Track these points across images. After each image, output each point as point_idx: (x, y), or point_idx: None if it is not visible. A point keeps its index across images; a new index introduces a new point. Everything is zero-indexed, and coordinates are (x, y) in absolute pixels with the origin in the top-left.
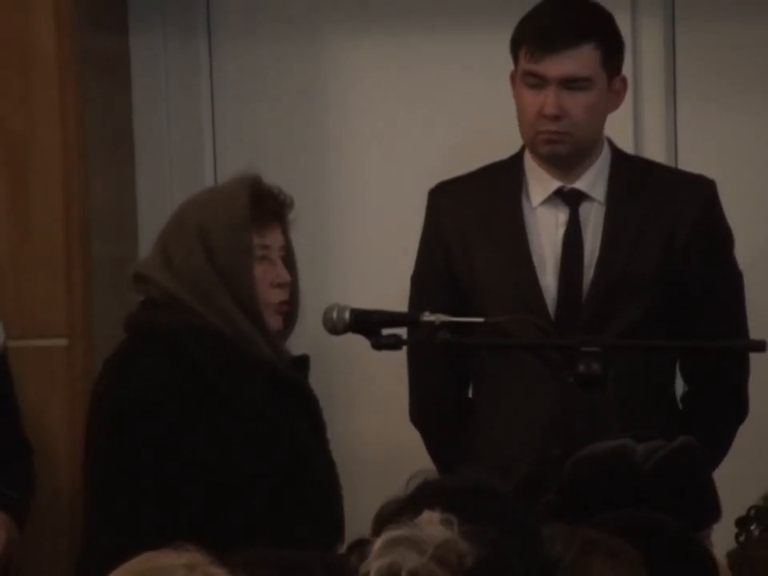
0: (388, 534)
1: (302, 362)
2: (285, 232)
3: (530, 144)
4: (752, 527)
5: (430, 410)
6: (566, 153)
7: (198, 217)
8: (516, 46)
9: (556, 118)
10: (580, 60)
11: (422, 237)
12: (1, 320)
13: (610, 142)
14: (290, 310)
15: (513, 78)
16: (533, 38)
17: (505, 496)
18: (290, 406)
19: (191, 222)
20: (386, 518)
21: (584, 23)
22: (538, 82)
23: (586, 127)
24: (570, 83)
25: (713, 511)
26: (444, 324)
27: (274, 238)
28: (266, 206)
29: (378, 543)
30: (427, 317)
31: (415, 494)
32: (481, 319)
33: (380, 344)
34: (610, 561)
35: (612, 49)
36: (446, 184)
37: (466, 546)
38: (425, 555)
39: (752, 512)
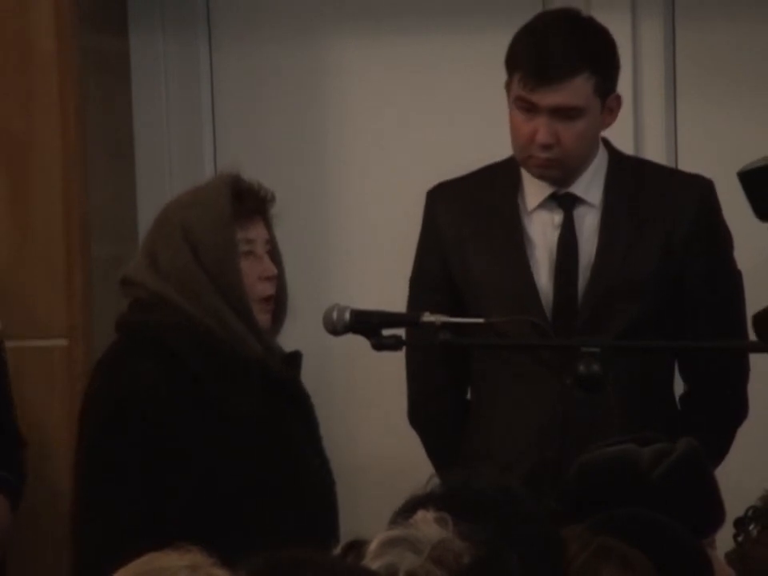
0: (384, 535)
1: (294, 359)
2: (268, 226)
3: (522, 164)
4: (750, 527)
5: (429, 412)
6: (558, 176)
7: (182, 217)
8: (510, 66)
9: (548, 146)
10: (573, 91)
11: (419, 238)
12: None
13: (607, 143)
14: (278, 305)
15: (507, 87)
16: (526, 67)
17: (510, 495)
18: (281, 403)
19: (175, 222)
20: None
21: (578, 53)
22: (530, 107)
23: (577, 153)
24: (561, 113)
25: (718, 516)
26: (444, 325)
27: (257, 232)
28: (247, 201)
29: (373, 544)
30: (427, 317)
31: (428, 494)
32: (481, 320)
33: (380, 345)
34: (621, 569)
35: (606, 73)
36: (444, 185)
37: (462, 544)
38: (421, 555)
39: (750, 512)
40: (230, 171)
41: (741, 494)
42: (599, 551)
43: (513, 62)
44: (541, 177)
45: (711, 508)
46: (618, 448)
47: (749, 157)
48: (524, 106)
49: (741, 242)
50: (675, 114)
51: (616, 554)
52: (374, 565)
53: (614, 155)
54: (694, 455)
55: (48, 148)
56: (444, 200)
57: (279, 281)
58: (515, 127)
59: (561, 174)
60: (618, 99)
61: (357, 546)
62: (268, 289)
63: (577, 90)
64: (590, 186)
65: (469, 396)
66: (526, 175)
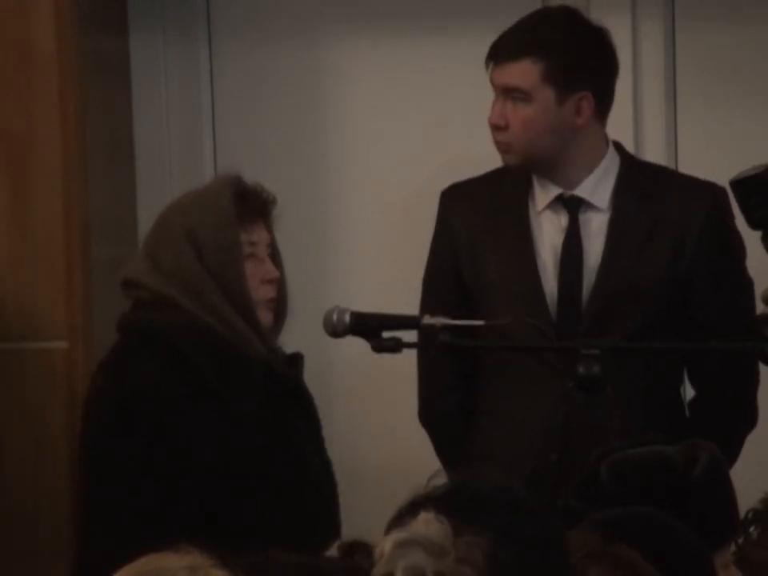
0: (395, 537)
1: (296, 360)
2: (269, 228)
3: None
4: (750, 530)
5: (440, 411)
6: (514, 163)
7: (184, 219)
8: None
9: (498, 127)
10: (517, 72)
11: (433, 238)
12: None
13: (619, 147)
14: (279, 306)
15: None
16: (491, 47)
17: (512, 496)
18: (285, 403)
19: (177, 224)
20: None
21: (527, 38)
22: (494, 90)
23: (527, 140)
24: (509, 93)
25: (738, 518)
26: (445, 326)
27: (260, 235)
28: (250, 203)
29: (386, 546)
30: (427, 320)
31: (428, 495)
32: (480, 322)
33: (380, 347)
34: (610, 571)
35: (561, 64)
36: (457, 185)
37: (483, 542)
38: (446, 556)
39: (750, 514)
40: (231, 173)
41: (741, 495)
42: (591, 554)
43: None
44: (504, 162)
45: (735, 509)
46: (649, 449)
47: (748, 157)
48: (493, 88)
49: (748, 248)
50: (675, 114)
51: (609, 557)
52: (396, 568)
53: (626, 159)
54: (720, 457)
55: (48, 148)
56: (457, 200)
57: (280, 283)
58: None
59: (516, 160)
60: (589, 100)
61: (361, 548)
62: (270, 291)
63: (521, 71)
64: (597, 189)
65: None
66: (535, 177)
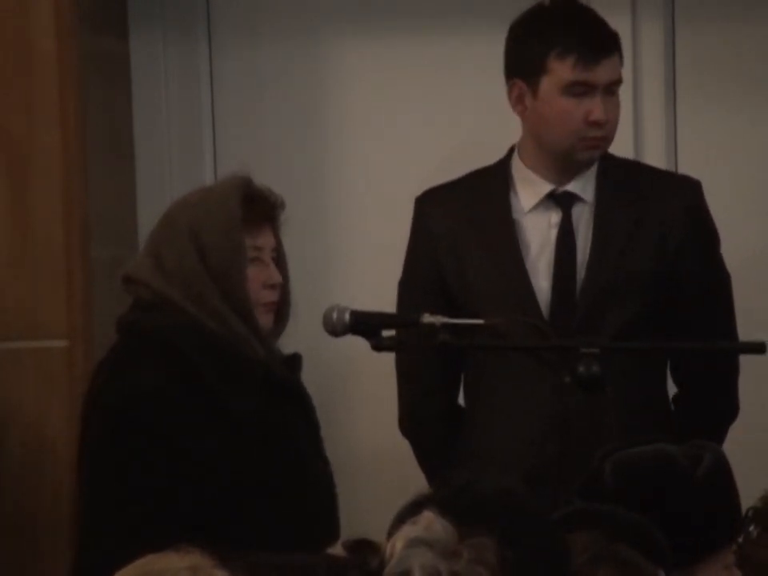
0: (405, 536)
1: (294, 361)
2: (276, 233)
3: (568, 150)
4: (750, 528)
5: (421, 418)
6: (597, 157)
7: (190, 218)
8: (546, 58)
9: (604, 123)
10: (616, 65)
11: (409, 243)
12: None
13: None
14: (281, 310)
15: (516, 87)
16: (581, 49)
17: (512, 497)
18: (284, 405)
19: (182, 223)
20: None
21: (611, 30)
22: (584, 90)
23: (616, 128)
24: (612, 88)
25: (741, 517)
26: (444, 326)
27: (265, 239)
28: (257, 207)
29: (399, 543)
30: (427, 318)
31: (430, 496)
32: (480, 321)
33: (380, 346)
34: (617, 574)
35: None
36: (432, 191)
37: (492, 544)
38: (456, 556)
39: (750, 513)
40: (241, 174)
41: (742, 495)
42: (595, 557)
43: (554, 50)
44: (589, 160)
45: (738, 509)
46: (653, 447)
47: (748, 157)
48: (578, 90)
49: (738, 243)
50: (675, 114)
51: (613, 559)
52: (413, 566)
53: (603, 156)
54: (723, 457)
55: (48, 148)
56: (434, 204)
57: (284, 288)
58: (565, 113)
59: (604, 152)
60: None
61: (366, 546)
62: (271, 296)
63: (617, 63)
64: (586, 184)
65: (461, 398)
66: (519, 176)
